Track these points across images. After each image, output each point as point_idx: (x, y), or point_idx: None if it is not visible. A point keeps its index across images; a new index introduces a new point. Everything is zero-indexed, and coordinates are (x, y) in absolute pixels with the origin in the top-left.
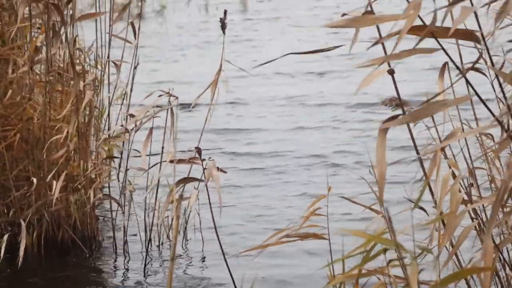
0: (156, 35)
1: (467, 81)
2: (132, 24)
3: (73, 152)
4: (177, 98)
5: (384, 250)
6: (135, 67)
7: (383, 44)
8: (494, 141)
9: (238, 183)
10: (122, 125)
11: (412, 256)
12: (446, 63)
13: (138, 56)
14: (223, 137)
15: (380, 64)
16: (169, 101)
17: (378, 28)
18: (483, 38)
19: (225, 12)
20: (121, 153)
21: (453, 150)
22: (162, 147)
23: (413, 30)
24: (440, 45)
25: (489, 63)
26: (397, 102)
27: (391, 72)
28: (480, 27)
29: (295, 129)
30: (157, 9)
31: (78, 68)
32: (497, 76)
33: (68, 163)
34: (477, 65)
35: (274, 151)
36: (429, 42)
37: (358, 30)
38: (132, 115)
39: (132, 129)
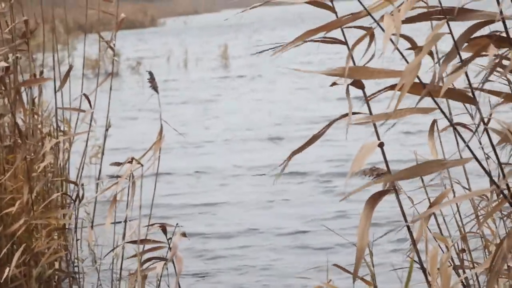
0: (128, 92)
1: (461, 138)
2: (85, 95)
3: (34, 223)
4: (142, 165)
5: None
6: (107, 129)
7: (368, 103)
8: (487, 198)
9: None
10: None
11: None
12: (435, 121)
13: (109, 118)
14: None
15: (382, 121)
16: (131, 173)
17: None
18: (474, 97)
19: (150, 73)
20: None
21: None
22: (125, 221)
23: (411, 88)
24: (438, 105)
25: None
26: (378, 172)
27: (381, 145)
28: (471, 87)
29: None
30: (132, 65)
31: (37, 132)
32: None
33: (28, 235)
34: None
35: (245, 228)
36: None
37: (348, 89)
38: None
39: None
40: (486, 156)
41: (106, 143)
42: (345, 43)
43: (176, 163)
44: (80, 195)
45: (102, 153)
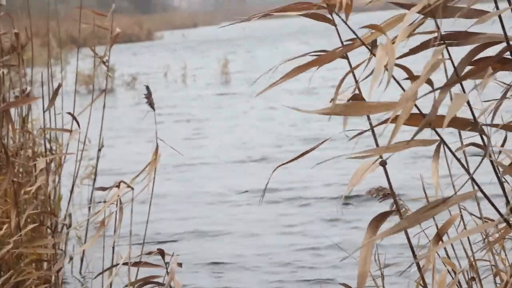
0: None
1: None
2: (71, 114)
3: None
4: (132, 189)
5: None
6: (99, 149)
7: (373, 131)
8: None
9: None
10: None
11: None
12: (440, 143)
13: (102, 138)
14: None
15: (376, 155)
16: (118, 199)
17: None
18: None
19: (147, 87)
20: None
21: (451, 233)
22: (113, 247)
23: (408, 119)
24: (440, 136)
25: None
26: (385, 192)
27: (383, 164)
28: (474, 115)
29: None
30: (127, 80)
31: (28, 152)
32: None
33: (17, 260)
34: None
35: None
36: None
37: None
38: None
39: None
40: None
41: (99, 164)
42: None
43: (165, 185)
44: (68, 223)
45: (95, 175)
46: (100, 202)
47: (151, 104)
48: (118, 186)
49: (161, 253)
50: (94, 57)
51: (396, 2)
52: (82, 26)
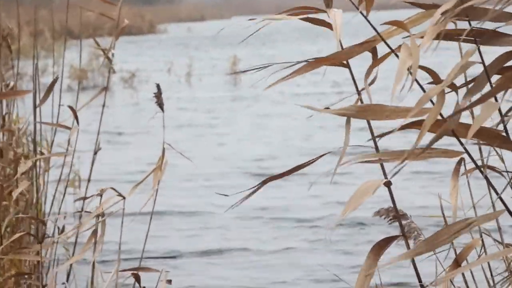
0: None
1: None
2: (72, 108)
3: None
4: (124, 198)
5: None
6: (95, 153)
7: (374, 140)
8: None
9: None
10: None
11: None
12: (462, 159)
13: (99, 141)
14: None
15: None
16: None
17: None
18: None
19: (158, 86)
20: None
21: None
22: (93, 266)
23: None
24: (465, 149)
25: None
26: (395, 214)
27: (388, 184)
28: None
29: None
30: (125, 77)
31: (10, 153)
32: None
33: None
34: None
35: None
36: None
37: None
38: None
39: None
40: None
41: (85, 170)
42: (347, 66)
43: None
44: (58, 229)
45: (88, 181)
46: (83, 211)
47: (160, 104)
48: (100, 195)
49: (137, 278)
50: (96, 48)
51: (413, 2)
52: (84, 13)
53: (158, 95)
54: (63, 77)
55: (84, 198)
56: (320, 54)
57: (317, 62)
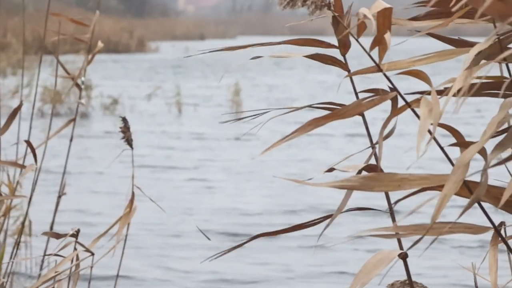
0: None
1: None
2: (28, 142)
3: None
4: (92, 254)
5: None
6: (60, 196)
7: (391, 207)
8: None
9: None
10: None
11: None
12: (499, 229)
13: (64, 184)
14: None
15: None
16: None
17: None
18: None
19: (124, 119)
20: None
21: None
22: None
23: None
24: (493, 223)
25: None
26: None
27: (404, 257)
28: None
29: None
30: (106, 103)
31: None
32: None
33: None
34: None
35: None
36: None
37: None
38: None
39: None
40: None
41: (56, 212)
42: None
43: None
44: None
45: (51, 226)
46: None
47: (128, 140)
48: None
49: None
50: (65, 77)
51: (436, 35)
52: (55, 35)
53: (125, 130)
54: (35, 100)
55: (26, 259)
56: (329, 87)
57: (323, 119)
